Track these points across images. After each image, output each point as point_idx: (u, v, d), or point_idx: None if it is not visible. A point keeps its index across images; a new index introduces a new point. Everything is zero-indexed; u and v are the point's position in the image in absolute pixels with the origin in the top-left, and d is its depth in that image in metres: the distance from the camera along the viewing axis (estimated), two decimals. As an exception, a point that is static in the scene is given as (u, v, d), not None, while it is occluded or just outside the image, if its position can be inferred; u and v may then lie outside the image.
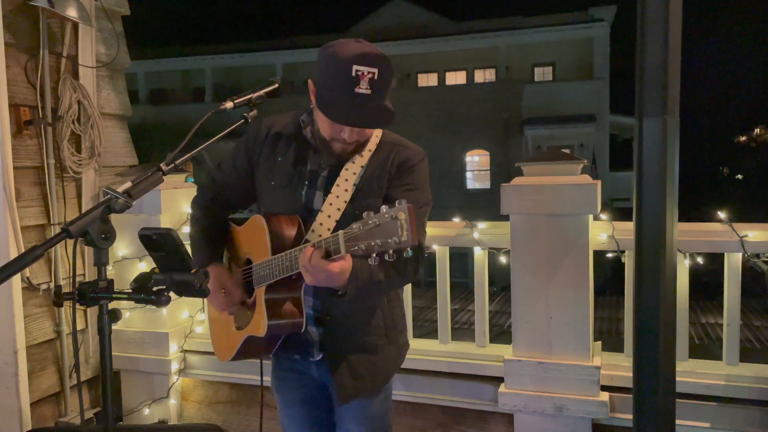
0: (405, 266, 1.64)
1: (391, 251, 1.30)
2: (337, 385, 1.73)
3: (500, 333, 3.23)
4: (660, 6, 2.00)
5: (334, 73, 1.53)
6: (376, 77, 1.51)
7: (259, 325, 1.65)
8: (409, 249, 1.29)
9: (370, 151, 1.71)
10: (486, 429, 2.82)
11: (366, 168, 1.68)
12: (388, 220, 1.30)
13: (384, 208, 1.31)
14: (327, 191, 1.68)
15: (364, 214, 1.34)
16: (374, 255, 1.31)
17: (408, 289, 2.90)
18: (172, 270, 1.45)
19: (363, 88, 1.50)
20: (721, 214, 2.50)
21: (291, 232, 1.64)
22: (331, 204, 1.64)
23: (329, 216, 1.63)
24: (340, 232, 1.38)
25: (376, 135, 1.74)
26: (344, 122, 1.57)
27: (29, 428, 2.75)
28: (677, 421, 2.21)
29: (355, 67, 1.50)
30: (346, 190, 1.65)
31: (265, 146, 1.77)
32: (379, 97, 1.54)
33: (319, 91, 1.59)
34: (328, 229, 1.61)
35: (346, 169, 1.67)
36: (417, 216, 1.67)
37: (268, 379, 1.95)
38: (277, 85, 1.71)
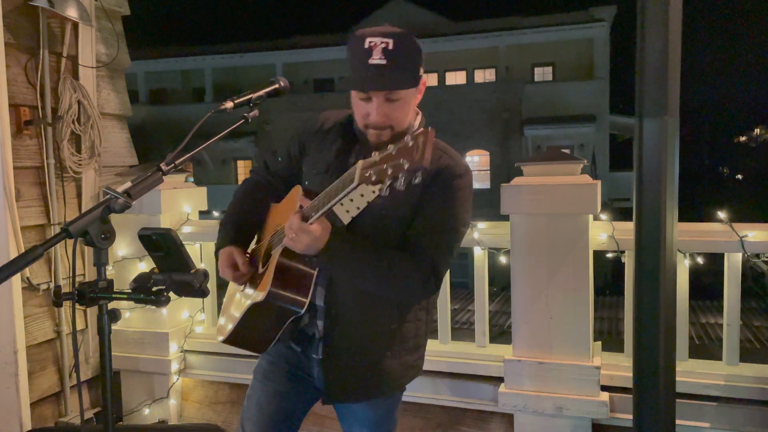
0: (408, 265, 1.56)
1: (401, 179, 1.24)
2: (325, 383, 1.70)
3: (500, 333, 3.24)
4: (660, 6, 2.01)
5: (352, 50, 1.55)
6: (390, 47, 1.50)
7: (264, 288, 1.56)
8: (419, 174, 1.24)
9: None
10: (486, 429, 2.82)
11: None
12: (406, 143, 1.26)
13: (408, 135, 1.27)
14: None
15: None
16: (386, 186, 1.26)
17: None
18: (172, 270, 1.46)
19: (377, 59, 1.50)
20: (721, 214, 2.49)
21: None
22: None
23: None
24: (360, 161, 1.34)
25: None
26: (357, 87, 1.56)
27: (29, 428, 2.75)
28: (677, 421, 2.21)
29: (368, 40, 1.51)
30: None
31: (316, 138, 1.76)
32: (396, 66, 1.51)
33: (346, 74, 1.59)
34: (352, 216, 1.56)
35: None
36: (444, 240, 1.60)
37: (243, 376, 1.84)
38: (277, 86, 1.71)
